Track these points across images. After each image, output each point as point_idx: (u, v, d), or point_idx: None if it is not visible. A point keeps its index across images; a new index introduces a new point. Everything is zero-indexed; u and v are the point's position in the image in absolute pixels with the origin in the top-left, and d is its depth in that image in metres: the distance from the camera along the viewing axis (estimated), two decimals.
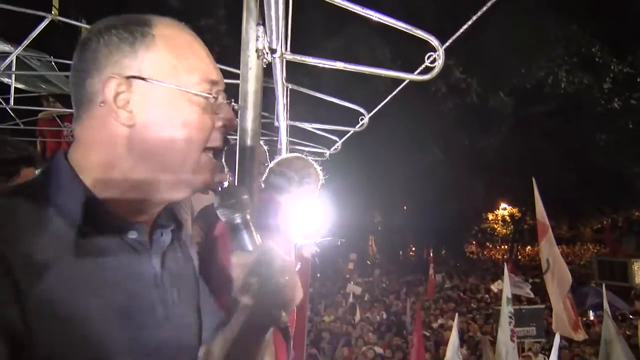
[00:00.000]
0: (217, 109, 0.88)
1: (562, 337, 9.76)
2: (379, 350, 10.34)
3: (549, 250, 8.75)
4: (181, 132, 0.83)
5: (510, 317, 7.55)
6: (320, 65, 1.68)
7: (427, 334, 11.78)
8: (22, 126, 6.59)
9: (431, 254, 23.58)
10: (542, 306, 8.81)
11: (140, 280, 0.87)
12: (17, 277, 0.70)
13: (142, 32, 0.83)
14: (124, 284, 0.84)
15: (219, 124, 0.89)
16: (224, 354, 0.97)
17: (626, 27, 17.41)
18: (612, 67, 17.70)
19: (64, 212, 0.79)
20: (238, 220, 0.94)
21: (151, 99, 0.82)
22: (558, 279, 8.44)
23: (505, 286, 7.95)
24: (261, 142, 3.08)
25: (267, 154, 3.09)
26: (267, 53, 1.40)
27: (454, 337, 7.40)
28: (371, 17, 1.53)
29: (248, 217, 0.95)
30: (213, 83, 0.88)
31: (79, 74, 0.85)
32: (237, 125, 0.93)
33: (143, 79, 0.82)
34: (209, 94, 0.86)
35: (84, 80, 0.83)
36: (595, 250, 32.42)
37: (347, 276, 20.31)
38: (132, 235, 0.86)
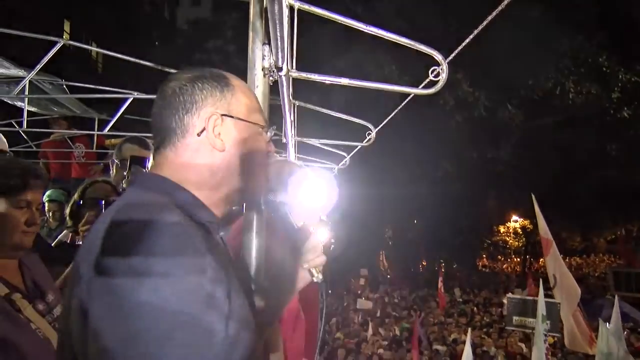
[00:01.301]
0: (269, 139, 1.20)
1: (578, 352, 9.56)
2: None
3: (554, 265, 8.66)
4: (253, 156, 1.13)
5: (545, 335, 7.34)
6: (326, 82, 1.71)
7: (440, 348, 11.66)
8: (34, 148, 6.71)
9: (442, 268, 23.36)
10: (558, 301, 8.48)
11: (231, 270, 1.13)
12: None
13: (226, 83, 1.12)
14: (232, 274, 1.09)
15: (269, 149, 1.21)
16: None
17: (633, 36, 17.38)
18: (620, 76, 17.60)
19: (204, 223, 1.06)
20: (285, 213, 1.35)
21: (234, 131, 1.10)
22: (566, 294, 8.31)
23: (540, 303, 7.64)
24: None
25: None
26: (273, 71, 1.43)
27: (467, 352, 7.32)
28: (375, 33, 1.56)
29: (287, 211, 1.36)
30: (266, 121, 1.20)
31: (175, 110, 1.09)
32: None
33: (232, 117, 1.10)
34: (268, 129, 1.19)
35: (182, 115, 1.08)
36: (610, 261, 31.96)
37: (359, 292, 20.16)
38: (222, 234, 1.16)
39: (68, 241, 3.28)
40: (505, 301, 12.99)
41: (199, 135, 1.07)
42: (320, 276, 1.30)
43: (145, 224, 0.88)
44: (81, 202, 2.91)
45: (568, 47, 16.62)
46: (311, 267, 1.29)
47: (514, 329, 10.27)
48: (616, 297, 8.77)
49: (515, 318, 9.22)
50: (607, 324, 7.72)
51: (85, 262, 0.89)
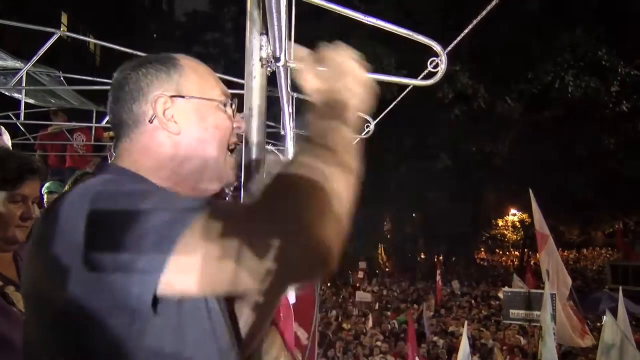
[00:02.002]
0: (233, 114, 1.12)
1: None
2: (390, 359, 10.29)
3: (548, 260, 8.67)
4: (214, 134, 1.07)
5: (554, 334, 7.27)
6: None
7: (435, 339, 11.71)
8: (32, 140, 6.68)
9: (440, 261, 23.44)
10: (554, 292, 8.38)
11: None
12: None
13: (173, 63, 1.07)
14: None
15: (236, 125, 1.13)
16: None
17: (632, 30, 17.34)
18: (619, 70, 17.57)
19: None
20: None
21: (189, 111, 1.05)
22: (558, 288, 8.32)
23: (546, 301, 7.51)
24: (275, 151, 3.09)
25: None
26: (271, 62, 1.42)
27: (464, 344, 7.33)
28: (373, 24, 1.54)
29: None
30: (227, 95, 1.12)
31: (123, 101, 1.05)
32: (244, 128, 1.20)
33: (182, 96, 1.05)
34: (229, 102, 1.11)
35: (130, 105, 1.04)
36: (608, 255, 32.06)
37: (358, 285, 20.24)
38: None
39: None
40: (501, 295, 13.01)
41: (151, 122, 1.03)
42: None
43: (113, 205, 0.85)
44: None
45: (567, 41, 16.58)
46: None
47: (511, 322, 10.28)
48: (620, 289, 8.72)
49: (511, 311, 9.20)
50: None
51: (69, 254, 0.83)
